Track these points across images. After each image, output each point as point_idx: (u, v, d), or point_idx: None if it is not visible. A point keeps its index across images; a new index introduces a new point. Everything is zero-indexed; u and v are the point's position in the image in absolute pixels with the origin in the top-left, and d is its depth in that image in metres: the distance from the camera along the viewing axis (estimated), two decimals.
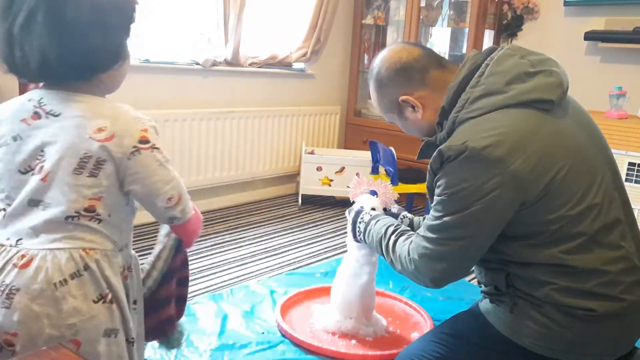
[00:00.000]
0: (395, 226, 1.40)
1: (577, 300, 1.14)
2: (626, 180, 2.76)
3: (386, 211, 1.70)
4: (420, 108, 1.32)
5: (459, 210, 1.15)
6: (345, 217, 1.75)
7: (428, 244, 1.21)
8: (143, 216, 3.10)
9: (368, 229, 1.50)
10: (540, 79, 1.20)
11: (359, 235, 1.56)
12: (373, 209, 1.67)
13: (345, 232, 1.81)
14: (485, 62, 1.25)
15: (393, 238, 1.35)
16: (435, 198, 1.21)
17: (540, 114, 1.18)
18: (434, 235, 1.20)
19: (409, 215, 1.69)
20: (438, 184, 1.20)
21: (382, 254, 1.41)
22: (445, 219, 1.17)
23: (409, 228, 1.39)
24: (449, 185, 1.16)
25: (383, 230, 1.41)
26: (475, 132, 1.15)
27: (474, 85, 1.22)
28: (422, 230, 1.24)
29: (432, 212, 1.23)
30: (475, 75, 1.23)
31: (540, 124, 1.17)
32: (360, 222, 1.55)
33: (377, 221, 1.48)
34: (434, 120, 1.31)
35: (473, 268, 1.35)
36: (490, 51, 1.28)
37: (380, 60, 1.37)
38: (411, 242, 1.27)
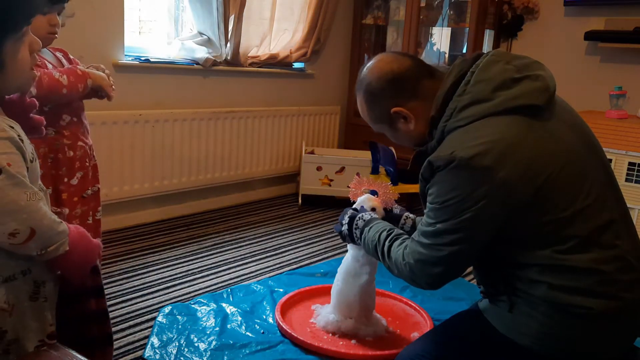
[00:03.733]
0: (388, 231, 1.40)
1: (575, 298, 1.14)
2: (626, 180, 2.76)
3: (387, 211, 1.70)
4: (413, 119, 1.33)
5: (450, 218, 1.17)
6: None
7: (423, 249, 1.23)
8: (146, 215, 3.11)
9: (363, 236, 1.50)
10: (526, 84, 1.20)
11: (357, 241, 1.56)
12: (373, 209, 1.67)
13: None
14: (471, 69, 1.25)
15: (387, 244, 1.36)
16: (428, 205, 1.23)
17: (528, 120, 1.18)
18: (428, 241, 1.22)
19: (412, 215, 1.69)
20: (430, 192, 1.21)
21: (379, 259, 1.42)
22: (438, 226, 1.19)
23: (401, 231, 1.40)
24: (440, 194, 1.18)
25: (377, 237, 1.42)
26: (462, 142, 1.16)
27: (461, 94, 1.23)
28: (416, 235, 1.26)
29: (425, 218, 1.24)
30: (462, 84, 1.24)
31: (528, 130, 1.17)
32: (355, 229, 1.55)
33: (370, 228, 1.48)
34: (425, 130, 1.32)
35: (472, 269, 1.36)
36: (476, 58, 1.28)
37: (370, 71, 1.36)
38: (406, 246, 1.29)
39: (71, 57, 1.98)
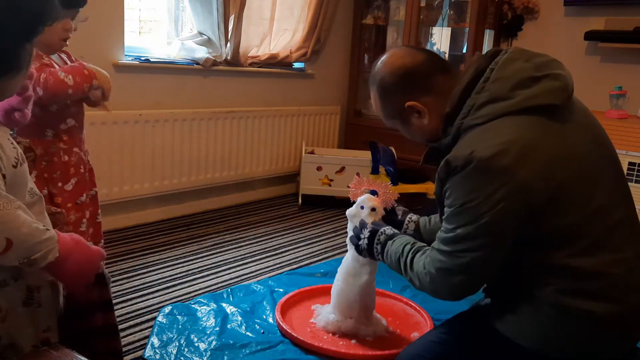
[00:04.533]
0: (412, 244, 1.36)
1: (578, 301, 1.14)
2: None
3: (387, 211, 1.70)
4: (426, 114, 1.31)
5: (471, 222, 1.14)
6: (346, 217, 1.74)
7: (443, 257, 1.20)
8: (146, 215, 3.11)
9: (385, 250, 1.45)
10: (545, 83, 1.19)
11: (377, 256, 1.51)
12: (373, 209, 1.66)
13: (346, 232, 1.81)
14: (490, 66, 1.23)
15: (410, 256, 1.33)
16: (446, 210, 1.20)
17: (545, 120, 1.17)
18: (448, 248, 1.19)
19: (414, 217, 1.67)
20: (447, 195, 1.19)
21: (402, 273, 1.37)
22: (458, 231, 1.16)
23: (424, 244, 1.35)
24: (459, 197, 1.15)
25: (400, 250, 1.37)
26: (481, 141, 1.15)
27: (479, 91, 1.21)
28: (436, 244, 1.23)
29: (444, 223, 1.21)
30: (480, 81, 1.22)
31: (546, 130, 1.16)
32: (377, 244, 1.49)
33: (394, 241, 1.43)
34: (439, 126, 1.29)
35: None
36: (494, 54, 1.26)
37: (383, 66, 1.35)
38: (427, 256, 1.26)
39: (74, 58, 1.98)
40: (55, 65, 1.83)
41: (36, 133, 1.80)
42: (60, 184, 1.88)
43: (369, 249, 1.52)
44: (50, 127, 1.83)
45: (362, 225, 1.57)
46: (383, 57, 1.37)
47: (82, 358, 0.98)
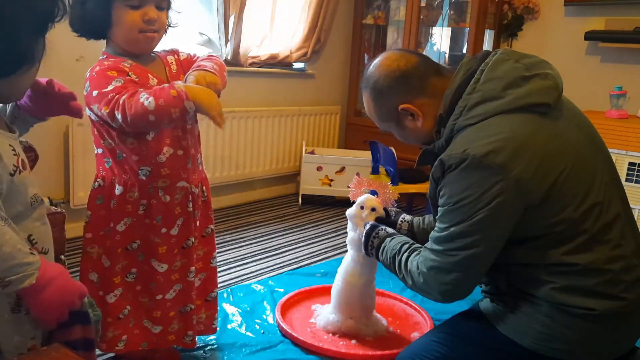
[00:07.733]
0: (410, 244, 1.37)
1: (577, 299, 1.14)
2: (626, 180, 2.76)
3: (386, 212, 1.70)
4: (420, 116, 1.32)
5: (465, 220, 1.14)
6: (346, 217, 1.74)
7: (436, 256, 1.21)
8: None
9: (383, 245, 1.46)
10: (536, 82, 1.20)
11: (371, 250, 1.52)
12: (373, 209, 1.67)
13: (346, 232, 1.81)
14: (480, 67, 1.24)
15: (406, 254, 1.33)
16: (440, 209, 1.20)
17: (538, 118, 1.18)
18: (441, 247, 1.20)
19: (407, 217, 1.68)
20: (441, 193, 1.20)
21: (395, 271, 1.37)
22: (452, 229, 1.17)
23: (421, 245, 1.34)
24: (452, 195, 1.16)
25: (398, 247, 1.38)
26: (475, 139, 1.15)
27: (471, 92, 1.22)
28: (429, 243, 1.24)
29: (437, 223, 1.22)
30: (471, 82, 1.23)
31: (539, 127, 1.17)
32: (374, 238, 1.50)
33: (392, 239, 1.44)
34: (433, 127, 1.31)
35: None
36: (484, 56, 1.28)
37: (377, 69, 1.35)
38: (420, 256, 1.27)
39: (182, 56, 1.65)
40: (151, 77, 1.49)
41: (130, 171, 1.50)
42: (164, 230, 1.54)
43: (365, 243, 1.53)
44: (144, 162, 1.49)
45: (366, 222, 1.59)
46: (376, 61, 1.38)
47: None
